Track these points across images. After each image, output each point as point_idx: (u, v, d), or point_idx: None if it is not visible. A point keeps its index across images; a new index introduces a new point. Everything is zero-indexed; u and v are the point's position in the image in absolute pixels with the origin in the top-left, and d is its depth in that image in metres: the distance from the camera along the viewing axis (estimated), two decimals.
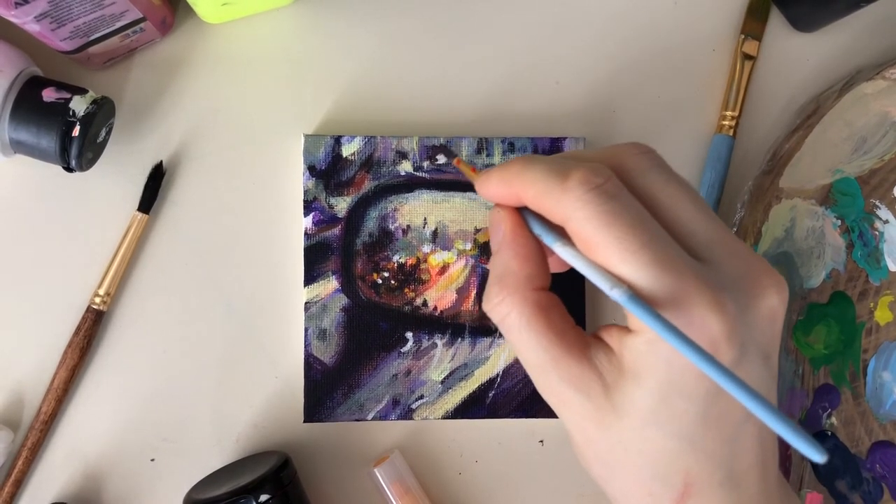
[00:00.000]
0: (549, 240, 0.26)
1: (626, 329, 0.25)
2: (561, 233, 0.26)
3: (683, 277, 0.23)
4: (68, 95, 0.33)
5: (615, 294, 0.23)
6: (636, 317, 0.23)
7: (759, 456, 0.25)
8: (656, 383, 0.24)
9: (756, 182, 0.38)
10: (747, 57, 0.40)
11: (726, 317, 0.23)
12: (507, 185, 0.27)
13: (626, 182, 0.25)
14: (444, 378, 0.37)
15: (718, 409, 0.24)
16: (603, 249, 0.24)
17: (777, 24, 0.40)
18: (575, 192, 0.24)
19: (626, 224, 0.24)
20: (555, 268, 0.29)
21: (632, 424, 0.25)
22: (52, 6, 0.31)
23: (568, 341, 0.26)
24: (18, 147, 0.34)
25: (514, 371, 0.37)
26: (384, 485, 0.37)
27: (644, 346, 0.24)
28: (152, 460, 0.37)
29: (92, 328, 0.36)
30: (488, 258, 0.37)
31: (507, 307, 0.26)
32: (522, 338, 0.26)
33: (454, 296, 0.37)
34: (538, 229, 0.27)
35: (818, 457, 0.20)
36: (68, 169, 0.34)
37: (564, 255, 0.25)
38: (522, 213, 0.27)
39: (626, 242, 0.23)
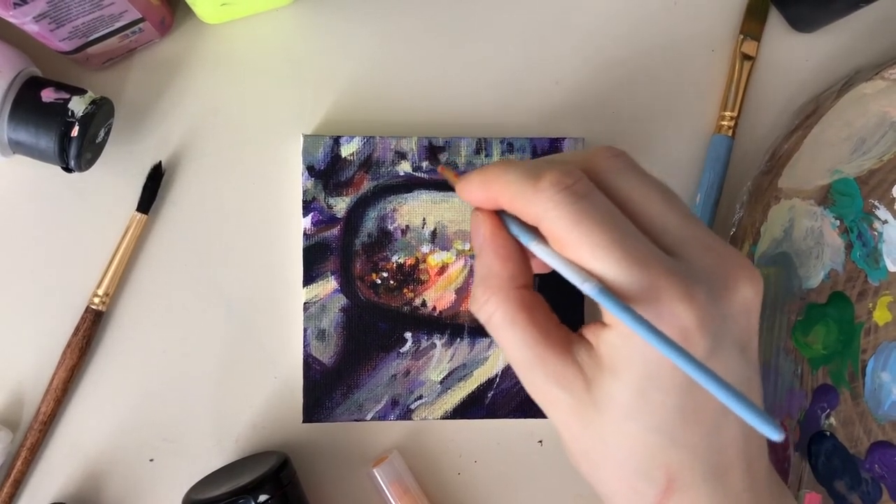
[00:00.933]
0: (525, 239, 0.27)
1: (603, 324, 0.25)
2: (537, 233, 0.26)
3: (654, 271, 0.24)
4: (67, 96, 0.33)
5: (586, 288, 0.23)
6: (608, 310, 0.23)
7: (742, 449, 0.26)
8: (632, 377, 0.24)
9: (755, 182, 0.38)
10: (746, 57, 0.40)
11: (697, 307, 0.24)
12: (484, 188, 0.27)
13: (599, 183, 0.26)
14: (443, 378, 0.37)
15: (695, 401, 0.24)
16: (575, 247, 0.24)
17: (776, 24, 0.40)
18: (546, 193, 0.25)
19: (596, 222, 0.24)
20: (538, 269, 0.29)
21: (612, 419, 0.25)
22: (50, 7, 0.31)
23: (552, 338, 0.26)
24: (17, 147, 0.34)
25: (513, 371, 0.37)
26: (383, 485, 0.37)
27: (619, 340, 0.25)
28: (151, 460, 0.37)
29: (91, 328, 0.36)
30: None
31: (492, 307, 0.27)
32: (508, 336, 0.27)
33: (453, 296, 0.37)
34: (515, 230, 0.27)
35: (775, 435, 0.21)
36: (67, 169, 0.34)
37: (539, 252, 0.26)
38: (501, 215, 0.28)
39: (597, 239, 0.24)
